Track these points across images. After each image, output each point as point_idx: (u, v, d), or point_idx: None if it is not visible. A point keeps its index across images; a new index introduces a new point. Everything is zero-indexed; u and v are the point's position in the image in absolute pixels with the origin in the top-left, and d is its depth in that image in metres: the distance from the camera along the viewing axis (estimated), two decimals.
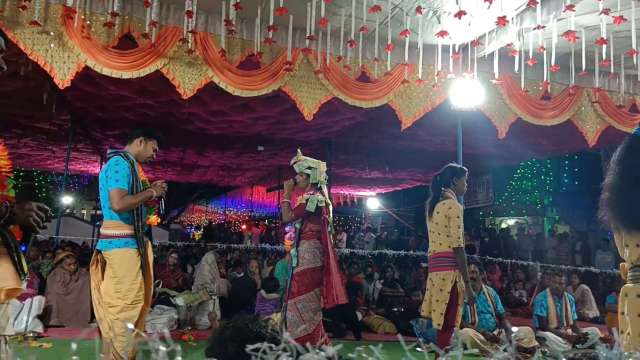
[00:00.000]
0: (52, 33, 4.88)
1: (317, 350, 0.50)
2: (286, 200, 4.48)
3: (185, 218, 29.43)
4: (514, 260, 9.11)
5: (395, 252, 8.95)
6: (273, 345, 0.53)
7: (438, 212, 4.02)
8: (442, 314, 3.87)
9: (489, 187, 13.91)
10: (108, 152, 3.50)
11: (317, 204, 4.25)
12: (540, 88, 6.41)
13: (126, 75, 5.04)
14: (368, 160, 11.74)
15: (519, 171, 14.94)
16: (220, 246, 10.18)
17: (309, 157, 4.67)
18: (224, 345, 1.28)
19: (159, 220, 3.69)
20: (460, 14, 4.37)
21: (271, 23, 4.58)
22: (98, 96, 7.17)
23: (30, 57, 4.88)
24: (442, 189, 4.10)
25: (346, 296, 4.30)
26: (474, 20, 4.94)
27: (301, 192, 4.59)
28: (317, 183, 4.39)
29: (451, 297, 3.87)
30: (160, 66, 5.14)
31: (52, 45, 4.89)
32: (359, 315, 6.30)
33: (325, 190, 4.49)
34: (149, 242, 3.45)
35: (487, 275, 7.76)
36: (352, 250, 9.92)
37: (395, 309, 6.71)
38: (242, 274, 7.79)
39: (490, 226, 15.55)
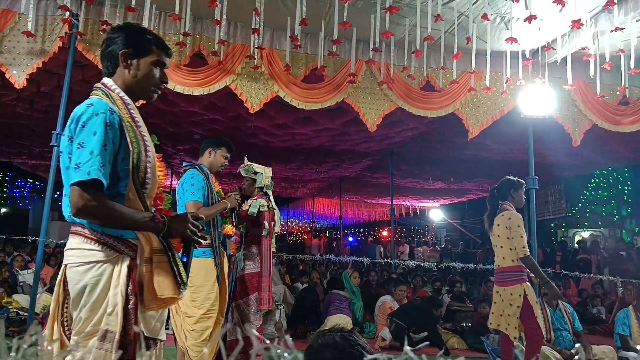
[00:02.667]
0: None
1: None
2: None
3: None
4: (591, 275, 8.59)
5: (463, 266, 8.68)
6: (392, 356, 0.53)
7: (498, 225, 4.07)
8: (515, 327, 3.84)
9: (561, 197, 13.24)
10: (184, 165, 3.65)
11: (259, 209, 4.24)
12: (618, 93, 6.05)
13: (197, 91, 5.26)
14: (431, 171, 11.54)
15: (593, 180, 14.13)
16: (286, 256, 10.30)
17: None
18: (334, 351, 1.34)
19: (234, 229, 3.79)
20: (530, 19, 4.23)
21: (335, 37, 4.64)
22: (170, 112, 7.52)
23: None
24: (500, 202, 4.16)
25: (271, 303, 4.23)
26: (544, 25, 4.77)
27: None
28: (263, 188, 4.38)
29: (525, 311, 3.84)
30: (229, 82, 5.33)
31: None
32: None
33: (271, 195, 4.46)
34: (224, 253, 3.55)
35: (563, 291, 7.38)
36: (417, 263, 9.74)
37: (464, 324, 6.51)
38: (305, 284, 7.85)
39: (563, 238, 14.77)
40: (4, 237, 11.04)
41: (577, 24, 4.26)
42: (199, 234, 1.88)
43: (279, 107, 7.04)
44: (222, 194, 3.68)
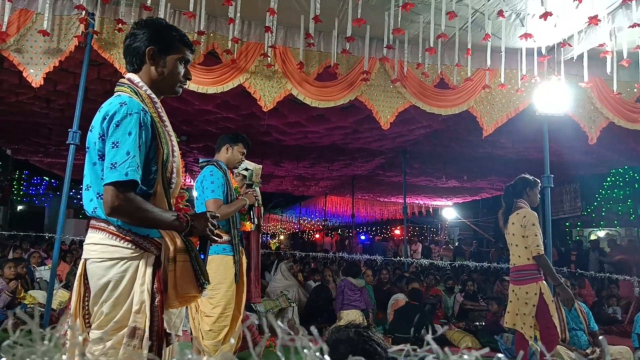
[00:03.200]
0: None
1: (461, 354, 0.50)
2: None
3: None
4: (608, 275, 8.48)
5: (478, 264, 8.62)
6: (417, 347, 0.54)
7: (513, 223, 4.03)
8: (531, 326, 3.82)
9: (577, 196, 13.11)
10: (200, 162, 3.64)
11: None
12: (635, 90, 5.97)
13: (211, 90, 5.28)
14: (444, 169, 11.48)
15: (609, 179, 13.91)
16: (299, 254, 10.33)
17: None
18: (348, 346, 1.35)
19: (252, 226, 3.79)
20: (546, 15, 4.19)
21: (348, 34, 4.63)
22: (184, 111, 7.57)
23: (124, 75, 5.23)
24: (515, 199, 4.12)
25: (259, 296, 4.26)
26: (560, 21, 4.72)
27: None
28: (252, 184, 4.38)
29: (541, 309, 3.80)
30: (242, 81, 5.34)
31: None
32: (439, 329, 6.14)
33: (258, 191, 4.46)
34: (243, 250, 3.54)
35: (578, 291, 7.30)
36: (431, 261, 9.69)
37: (477, 323, 6.48)
38: (318, 282, 7.86)
39: (578, 237, 14.60)
40: (21, 233, 11.22)
41: (594, 20, 4.21)
42: (216, 232, 1.90)
43: (292, 105, 7.06)
44: (240, 190, 3.68)
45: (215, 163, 3.52)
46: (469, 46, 4.79)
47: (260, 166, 4.53)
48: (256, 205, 4.23)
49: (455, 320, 6.92)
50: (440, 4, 4.42)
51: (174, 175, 1.83)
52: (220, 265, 3.33)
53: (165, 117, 1.88)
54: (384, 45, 4.91)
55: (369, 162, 11.43)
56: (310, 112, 7.29)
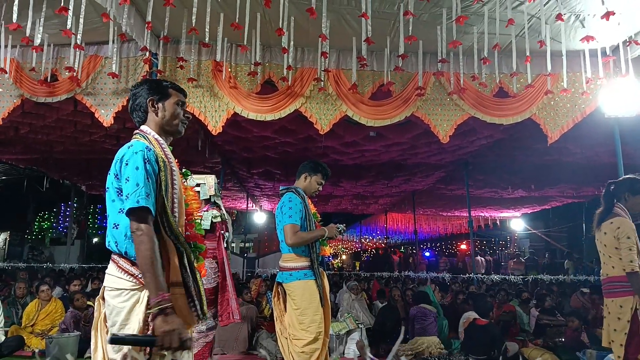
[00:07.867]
0: (204, 86, 5.47)
1: None
2: None
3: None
4: None
5: (552, 277, 8.17)
6: None
7: (605, 233, 3.52)
8: (621, 344, 3.42)
9: None
10: (281, 189, 3.73)
11: (211, 220, 4.11)
12: None
13: (269, 117, 5.43)
14: (510, 179, 11.08)
15: None
16: (364, 274, 10.24)
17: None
18: None
19: (331, 251, 3.81)
20: (608, 15, 4.01)
21: (401, 52, 4.63)
22: (244, 139, 7.80)
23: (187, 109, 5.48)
24: (614, 201, 3.60)
25: (240, 314, 4.21)
26: (624, 19, 4.51)
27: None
28: (210, 198, 4.25)
29: (632, 327, 3.41)
30: (298, 106, 5.46)
31: (205, 97, 5.48)
32: (516, 346, 5.86)
33: (221, 204, 4.31)
34: (324, 273, 3.55)
35: None
36: (502, 276, 9.30)
37: (557, 339, 6.13)
38: (385, 302, 7.76)
39: None
40: (99, 265, 11.86)
41: None
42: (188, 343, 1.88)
43: (348, 126, 7.10)
44: (318, 215, 3.72)
45: (294, 190, 3.59)
46: (528, 53, 4.65)
47: (212, 176, 4.49)
48: (218, 219, 4.22)
49: (533, 337, 6.59)
50: (494, 14, 4.35)
51: (176, 204, 2.08)
52: (304, 290, 3.36)
53: (170, 155, 2.16)
54: (438, 59, 4.87)
55: (429, 177, 11.24)
56: (366, 131, 7.31)
